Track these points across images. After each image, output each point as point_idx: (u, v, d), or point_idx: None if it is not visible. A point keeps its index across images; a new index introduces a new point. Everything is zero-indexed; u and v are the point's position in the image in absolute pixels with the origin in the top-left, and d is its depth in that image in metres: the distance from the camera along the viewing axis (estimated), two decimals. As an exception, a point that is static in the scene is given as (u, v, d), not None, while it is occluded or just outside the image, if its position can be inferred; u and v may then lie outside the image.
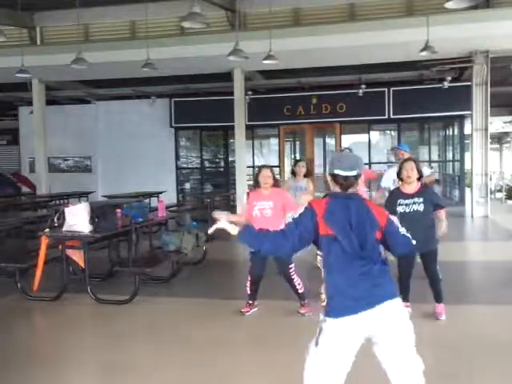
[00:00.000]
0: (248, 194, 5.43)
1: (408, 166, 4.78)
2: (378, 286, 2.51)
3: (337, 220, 2.50)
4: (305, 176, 6.76)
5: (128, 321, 5.15)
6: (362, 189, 6.00)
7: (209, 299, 5.76)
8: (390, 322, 2.50)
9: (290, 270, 4.95)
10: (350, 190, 2.60)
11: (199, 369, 3.91)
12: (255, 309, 5.14)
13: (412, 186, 4.78)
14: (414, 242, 2.68)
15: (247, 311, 5.09)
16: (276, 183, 5.12)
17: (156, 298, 5.84)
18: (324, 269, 2.60)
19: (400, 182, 5.21)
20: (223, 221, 2.68)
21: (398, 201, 4.72)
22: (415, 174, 4.76)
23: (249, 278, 5.06)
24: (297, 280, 4.97)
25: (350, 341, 2.47)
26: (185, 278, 6.78)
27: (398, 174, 4.90)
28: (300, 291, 5.00)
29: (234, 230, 2.63)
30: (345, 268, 2.49)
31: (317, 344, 2.51)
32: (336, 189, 2.61)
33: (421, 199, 4.68)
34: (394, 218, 2.70)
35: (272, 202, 4.96)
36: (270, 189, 5.03)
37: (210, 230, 2.81)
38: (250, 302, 5.12)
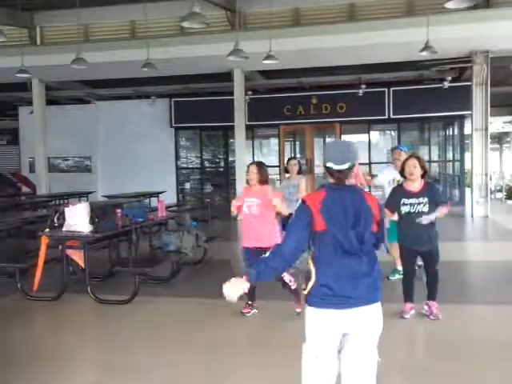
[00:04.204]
0: (243, 189, 5.40)
1: (411, 163, 4.71)
2: (363, 288, 2.47)
3: (333, 215, 2.45)
4: (298, 173, 6.73)
5: (128, 321, 5.15)
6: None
7: (209, 299, 5.74)
8: (365, 326, 2.49)
9: None
10: (346, 182, 2.55)
11: (199, 369, 3.91)
12: (255, 310, 5.14)
13: (416, 184, 4.70)
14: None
15: (248, 312, 5.09)
16: (262, 179, 5.00)
17: (156, 298, 5.83)
18: (313, 260, 2.53)
19: (397, 182, 5.23)
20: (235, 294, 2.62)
21: (402, 200, 4.65)
22: (418, 171, 4.69)
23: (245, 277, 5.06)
24: (287, 278, 4.95)
25: (328, 333, 2.48)
26: (185, 277, 6.79)
27: (402, 172, 4.84)
28: (293, 287, 4.97)
29: (244, 286, 2.63)
30: (337, 263, 2.46)
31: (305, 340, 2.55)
32: (331, 180, 2.56)
33: (425, 199, 4.61)
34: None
35: (259, 199, 4.93)
36: (258, 185, 5.00)
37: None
38: (250, 302, 5.12)
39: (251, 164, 5.17)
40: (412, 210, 4.62)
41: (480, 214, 12.49)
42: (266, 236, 4.85)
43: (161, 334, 4.76)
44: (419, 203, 4.61)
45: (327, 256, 2.47)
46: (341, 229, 2.44)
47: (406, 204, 4.65)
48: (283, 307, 5.24)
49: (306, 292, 2.53)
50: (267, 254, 2.55)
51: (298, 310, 4.96)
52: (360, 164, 14.44)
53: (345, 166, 2.51)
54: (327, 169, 2.55)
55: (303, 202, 2.52)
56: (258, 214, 4.93)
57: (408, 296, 4.89)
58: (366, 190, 7.05)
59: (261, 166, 5.13)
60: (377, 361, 2.54)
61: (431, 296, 4.84)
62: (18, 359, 4.14)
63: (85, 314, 5.53)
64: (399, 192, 4.80)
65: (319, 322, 2.49)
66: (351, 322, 2.47)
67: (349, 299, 2.44)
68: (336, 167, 2.51)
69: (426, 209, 4.62)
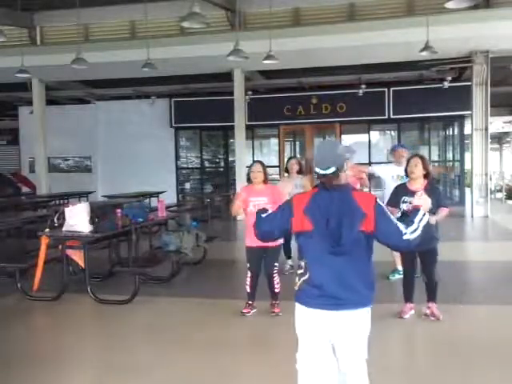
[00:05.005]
0: (242, 188, 5.42)
1: (413, 161, 4.76)
2: (351, 290, 2.44)
3: (315, 215, 2.46)
4: (298, 173, 6.73)
5: (128, 321, 5.15)
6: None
7: (209, 299, 5.75)
8: (352, 330, 2.47)
9: (274, 268, 5.06)
10: (335, 182, 2.52)
11: (199, 369, 3.91)
12: (255, 310, 5.14)
13: (417, 184, 4.72)
14: (407, 237, 2.47)
15: (248, 312, 5.10)
16: (266, 178, 5.13)
17: (156, 298, 5.83)
18: (303, 259, 2.57)
19: (400, 178, 5.27)
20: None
21: (403, 198, 4.68)
22: (419, 171, 4.71)
23: (249, 274, 5.10)
24: (277, 279, 5.08)
25: (316, 332, 2.48)
26: (185, 278, 6.79)
27: (406, 171, 4.89)
28: (276, 290, 5.11)
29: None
30: (320, 264, 2.46)
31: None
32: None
33: None
34: (385, 207, 2.57)
35: (266, 197, 4.98)
36: (263, 184, 5.07)
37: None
38: (250, 302, 5.13)
39: (256, 163, 5.23)
40: (410, 208, 4.63)
41: (480, 213, 12.49)
42: None
43: (161, 334, 4.75)
44: None
45: (314, 256, 2.48)
46: (324, 229, 2.43)
47: (406, 202, 4.67)
48: (283, 307, 5.23)
49: (296, 287, 2.56)
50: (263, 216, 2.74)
51: (277, 311, 5.08)
52: (361, 164, 14.49)
53: (329, 171, 2.50)
54: (315, 172, 2.58)
55: (290, 199, 2.63)
56: None
57: (408, 296, 4.89)
58: (366, 189, 7.13)
59: (263, 164, 5.21)
60: (365, 360, 2.53)
61: (430, 297, 4.82)
62: (18, 359, 4.14)
63: (85, 313, 5.53)
64: (401, 190, 4.83)
65: (306, 320, 2.52)
66: (338, 325, 2.45)
67: (336, 300, 2.42)
68: (321, 172, 2.53)
69: None
